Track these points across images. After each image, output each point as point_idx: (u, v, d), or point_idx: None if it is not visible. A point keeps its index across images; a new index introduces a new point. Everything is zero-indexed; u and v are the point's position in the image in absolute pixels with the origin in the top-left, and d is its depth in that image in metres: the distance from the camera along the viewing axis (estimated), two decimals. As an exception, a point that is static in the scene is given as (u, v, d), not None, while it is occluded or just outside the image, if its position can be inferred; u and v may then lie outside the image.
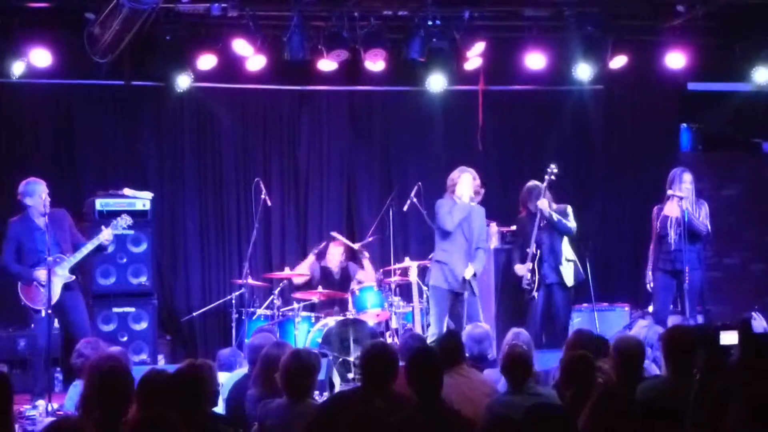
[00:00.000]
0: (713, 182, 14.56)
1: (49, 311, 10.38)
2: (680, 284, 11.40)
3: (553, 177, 11.45)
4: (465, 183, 11.09)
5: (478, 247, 11.17)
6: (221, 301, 13.10)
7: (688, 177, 11.51)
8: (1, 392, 4.80)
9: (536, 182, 11.72)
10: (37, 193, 10.62)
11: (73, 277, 10.66)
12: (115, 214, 12.22)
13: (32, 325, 10.57)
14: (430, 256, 11.75)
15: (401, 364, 6.58)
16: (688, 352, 6.57)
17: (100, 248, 10.94)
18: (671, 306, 11.90)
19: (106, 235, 10.84)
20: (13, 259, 10.59)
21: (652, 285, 11.71)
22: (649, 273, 11.72)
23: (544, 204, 11.45)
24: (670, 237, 11.36)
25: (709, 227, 11.50)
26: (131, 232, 11.92)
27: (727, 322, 9.49)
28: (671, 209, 11.41)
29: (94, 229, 11.35)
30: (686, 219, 11.19)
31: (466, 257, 10.97)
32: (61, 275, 10.55)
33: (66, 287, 10.61)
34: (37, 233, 10.57)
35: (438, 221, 11.08)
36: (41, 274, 10.39)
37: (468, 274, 10.91)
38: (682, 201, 11.29)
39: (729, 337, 5.43)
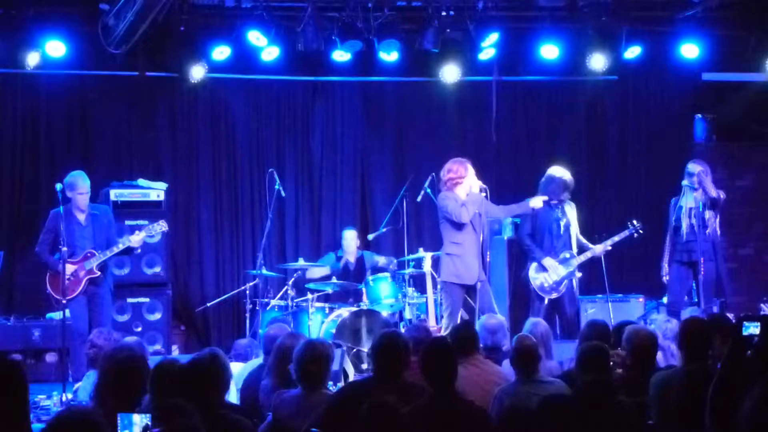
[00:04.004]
0: (727, 172, 14.51)
1: (69, 299, 10.44)
2: (696, 275, 11.40)
3: (636, 234, 11.63)
4: (471, 174, 10.98)
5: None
6: (235, 291, 13.13)
7: (690, 166, 11.50)
8: (17, 381, 4.81)
9: (560, 173, 11.61)
10: (75, 189, 10.70)
11: (98, 273, 10.69)
12: (130, 204, 12.30)
13: (65, 312, 10.47)
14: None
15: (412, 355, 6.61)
16: (704, 342, 6.57)
17: (129, 249, 10.99)
18: (686, 297, 11.89)
19: (138, 237, 10.89)
20: (47, 249, 10.64)
21: (667, 278, 11.70)
22: (665, 265, 11.69)
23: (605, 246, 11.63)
24: (683, 228, 11.35)
25: (722, 195, 11.45)
26: (146, 222, 11.95)
27: (749, 313, 9.49)
28: (686, 200, 11.41)
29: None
30: (703, 201, 11.22)
31: (478, 249, 10.91)
32: (88, 269, 10.61)
33: (93, 282, 10.67)
34: (76, 227, 10.69)
35: (451, 215, 10.78)
36: (68, 267, 10.45)
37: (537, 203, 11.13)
38: (697, 192, 11.28)
39: (752, 328, 5.40)
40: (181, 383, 5.93)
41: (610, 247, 11.63)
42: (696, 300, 11.67)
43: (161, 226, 11.19)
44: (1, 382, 4.67)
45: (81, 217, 10.76)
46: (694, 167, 11.43)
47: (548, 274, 11.44)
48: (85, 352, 8.61)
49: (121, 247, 10.77)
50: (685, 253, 11.44)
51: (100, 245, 10.72)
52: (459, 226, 10.83)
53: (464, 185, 10.89)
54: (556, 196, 11.52)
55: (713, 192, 11.26)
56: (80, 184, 10.72)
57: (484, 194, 10.94)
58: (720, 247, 11.65)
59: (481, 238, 10.94)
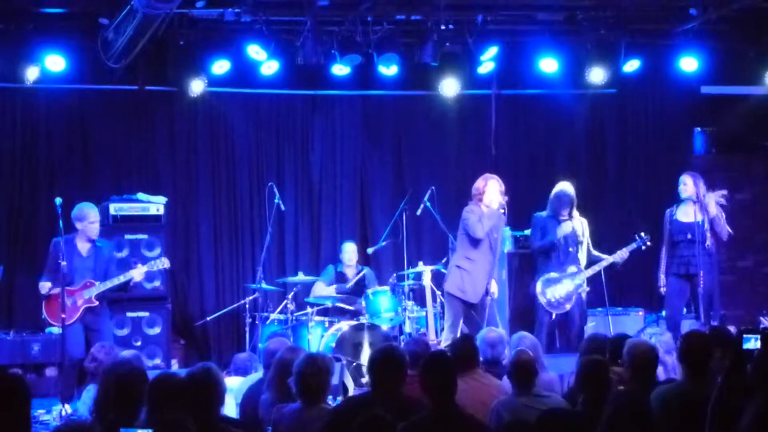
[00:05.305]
0: (726, 185, 14.49)
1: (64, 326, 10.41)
2: (694, 288, 11.40)
3: (643, 246, 11.64)
4: (493, 190, 11.06)
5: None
6: (235, 305, 13.13)
7: (684, 178, 11.57)
8: (18, 396, 4.82)
9: (569, 189, 11.61)
10: (87, 219, 10.73)
11: (97, 303, 10.68)
12: (129, 218, 12.30)
13: (64, 328, 10.45)
14: (444, 260, 11.77)
15: (410, 369, 6.61)
16: (704, 356, 6.56)
17: (127, 285, 10.96)
18: (685, 310, 11.89)
19: (140, 272, 10.89)
20: (48, 279, 10.61)
21: (664, 289, 11.70)
22: (662, 276, 11.70)
23: (622, 255, 11.60)
24: (685, 241, 11.39)
25: (722, 215, 11.54)
26: (145, 236, 11.95)
27: (750, 326, 9.47)
28: (686, 213, 11.43)
29: (110, 236, 11.46)
30: (708, 219, 11.26)
31: (490, 267, 10.98)
32: (86, 298, 10.61)
33: (90, 311, 10.66)
34: (76, 258, 10.67)
35: (468, 229, 10.97)
36: (43, 286, 10.50)
37: (493, 288, 10.99)
38: (696, 204, 11.31)
39: (753, 341, 5.40)
40: (179, 397, 5.92)
41: (627, 255, 11.61)
42: (694, 313, 11.69)
43: (163, 262, 11.18)
44: (3, 396, 4.67)
45: (83, 248, 10.76)
46: (688, 180, 11.52)
47: (556, 289, 11.43)
48: (86, 365, 8.61)
49: (122, 279, 10.73)
50: (683, 266, 11.48)
51: (99, 278, 10.70)
52: (476, 243, 10.95)
53: (484, 200, 10.99)
54: (559, 213, 11.53)
55: (713, 211, 11.39)
56: (92, 214, 10.77)
57: (502, 211, 11.00)
58: (716, 259, 11.67)
59: (497, 256, 11.11)
